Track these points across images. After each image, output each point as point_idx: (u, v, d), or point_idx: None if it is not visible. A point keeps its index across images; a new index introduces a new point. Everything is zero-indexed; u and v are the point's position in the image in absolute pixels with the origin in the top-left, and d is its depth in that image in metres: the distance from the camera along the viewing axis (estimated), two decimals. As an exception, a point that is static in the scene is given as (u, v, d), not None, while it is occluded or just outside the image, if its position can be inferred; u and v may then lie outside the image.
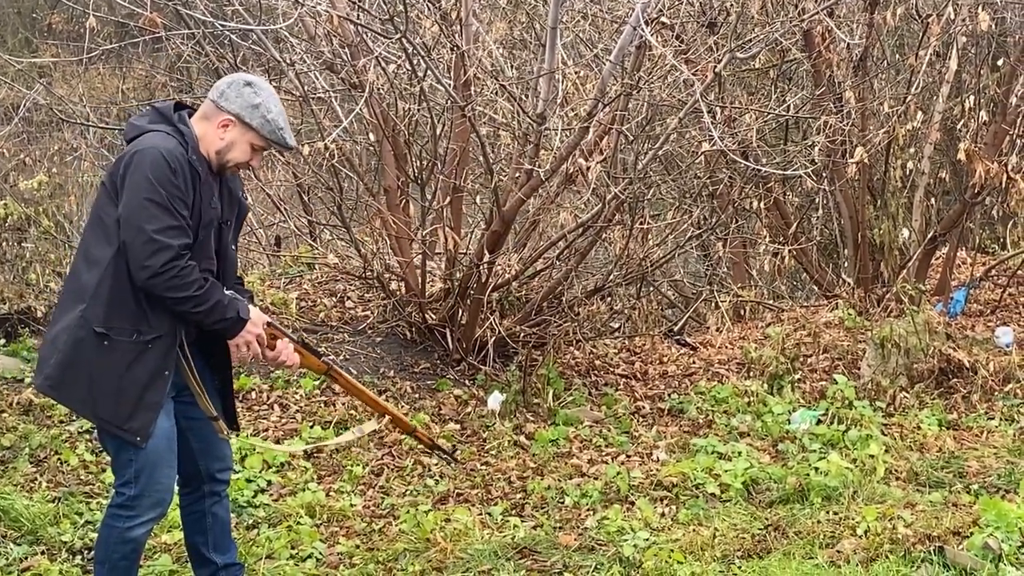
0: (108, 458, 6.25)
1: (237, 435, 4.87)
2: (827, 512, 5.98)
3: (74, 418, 6.84)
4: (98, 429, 4.59)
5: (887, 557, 5.26)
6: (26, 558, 5.40)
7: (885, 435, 7.19)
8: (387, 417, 5.24)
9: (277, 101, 4.59)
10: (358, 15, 7.95)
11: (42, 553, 5.46)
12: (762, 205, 9.84)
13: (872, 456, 6.73)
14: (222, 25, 8.20)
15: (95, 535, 4.76)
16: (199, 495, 4.76)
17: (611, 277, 8.58)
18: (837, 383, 7.81)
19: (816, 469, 6.55)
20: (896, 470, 6.66)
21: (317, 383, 7.49)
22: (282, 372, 7.56)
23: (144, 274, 4.24)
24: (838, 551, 5.43)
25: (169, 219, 4.26)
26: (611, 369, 8.47)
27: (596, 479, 6.61)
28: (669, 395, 8.01)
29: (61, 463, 6.43)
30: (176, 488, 4.68)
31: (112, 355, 4.34)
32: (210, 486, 4.77)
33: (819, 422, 7.40)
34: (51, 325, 4.49)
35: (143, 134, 4.41)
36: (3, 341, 8.28)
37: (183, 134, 4.43)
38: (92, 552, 4.94)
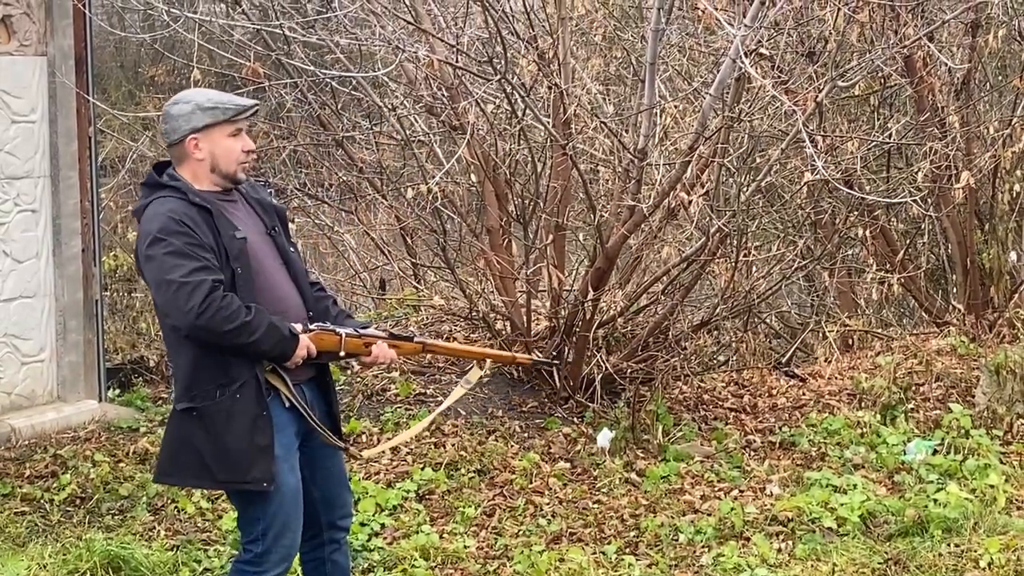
0: (224, 504, 6.35)
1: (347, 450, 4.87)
2: (948, 545, 5.88)
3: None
4: (226, 493, 4.63)
5: (1013, 590, 5.16)
6: (148, 606, 5.48)
7: (1003, 464, 7.05)
8: (488, 361, 5.25)
9: (199, 91, 4.58)
10: (457, 58, 8.02)
11: (163, 600, 5.54)
12: (867, 233, 9.73)
13: (992, 486, 6.60)
14: (323, 73, 8.31)
15: (215, 582, 4.81)
16: (319, 542, 4.76)
17: (717, 310, 8.52)
18: (952, 412, 7.68)
19: (935, 500, 6.44)
20: (1017, 500, 6.54)
21: (426, 425, 7.51)
22: (392, 414, 7.60)
23: (189, 318, 4.23)
24: (962, 585, 5.34)
25: (192, 263, 4.27)
26: (720, 403, 8.40)
27: (710, 515, 6.55)
28: (780, 428, 7.92)
29: (178, 511, 6.51)
30: None
31: (205, 422, 4.38)
32: (330, 533, 4.77)
33: (935, 452, 7.27)
34: None
35: (143, 212, 4.44)
36: (118, 391, 8.42)
37: (174, 187, 4.41)
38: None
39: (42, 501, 6.61)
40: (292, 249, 4.70)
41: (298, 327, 4.46)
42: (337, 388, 7.64)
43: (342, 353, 4.57)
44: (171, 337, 4.46)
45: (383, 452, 6.66)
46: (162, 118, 4.51)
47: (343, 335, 4.53)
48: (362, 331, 4.61)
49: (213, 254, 4.33)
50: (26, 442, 7.35)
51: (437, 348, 5.08)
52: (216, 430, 4.37)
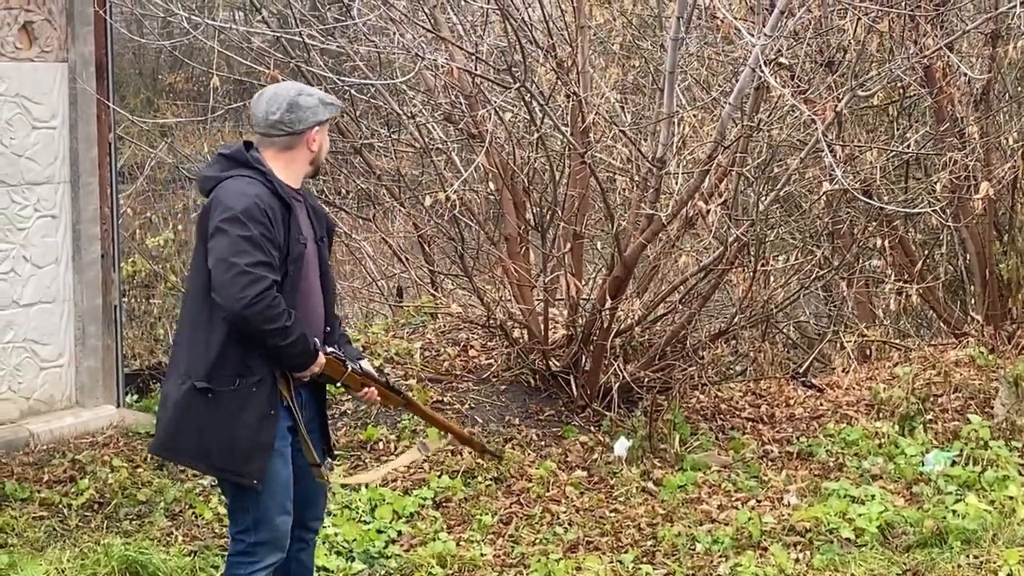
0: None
1: (332, 461, 4.95)
2: (967, 556, 5.86)
3: (207, 471, 6.93)
4: (217, 479, 4.70)
5: (1033, 602, 5.14)
6: (165, 611, 5.49)
7: (1022, 475, 7.02)
8: (449, 435, 5.50)
9: (307, 87, 4.73)
10: (476, 66, 8.03)
11: (181, 606, 5.54)
12: (886, 243, 9.71)
13: (1011, 497, 6.58)
14: (342, 80, 8.33)
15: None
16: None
17: (735, 320, 8.51)
18: (971, 423, 7.65)
19: (953, 512, 6.42)
20: (1036, 511, 6.50)
21: (442, 432, 7.50)
22: (409, 423, 7.60)
23: (238, 305, 4.32)
24: (981, 596, 5.32)
25: (260, 255, 4.37)
26: (737, 413, 8.38)
27: (727, 525, 6.54)
28: (797, 438, 7.90)
29: (196, 517, 6.52)
30: None
31: (219, 407, 4.46)
32: (299, 532, 4.83)
33: (954, 463, 7.25)
34: (163, 385, 4.65)
35: (222, 182, 4.51)
36: (136, 397, 8.44)
37: (264, 173, 4.51)
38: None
39: (60, 506, 6.62)
40: (328, 263, 4.80)
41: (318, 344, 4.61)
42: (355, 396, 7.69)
43: (339, 383, 4.76)
44: (206, 315, 4.49)
45: (349, 485, 6.71)
46: (287, 107, 4.54)
47: (349, 369, 4.71)
48: (364, 368, 4.80)
49: (279, 252, 4.45)
50: (44, 447, 7.37)
51: (415, 409, 5.29)
52: (224, 419, 4.47)
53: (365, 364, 4.84)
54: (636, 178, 8.04)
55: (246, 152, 4.58)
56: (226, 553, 5.98)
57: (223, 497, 6.43)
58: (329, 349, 4.66)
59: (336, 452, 5.84)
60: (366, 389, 4.79)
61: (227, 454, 4.49)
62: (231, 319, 4.38)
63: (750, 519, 6.48)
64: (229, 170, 4.54)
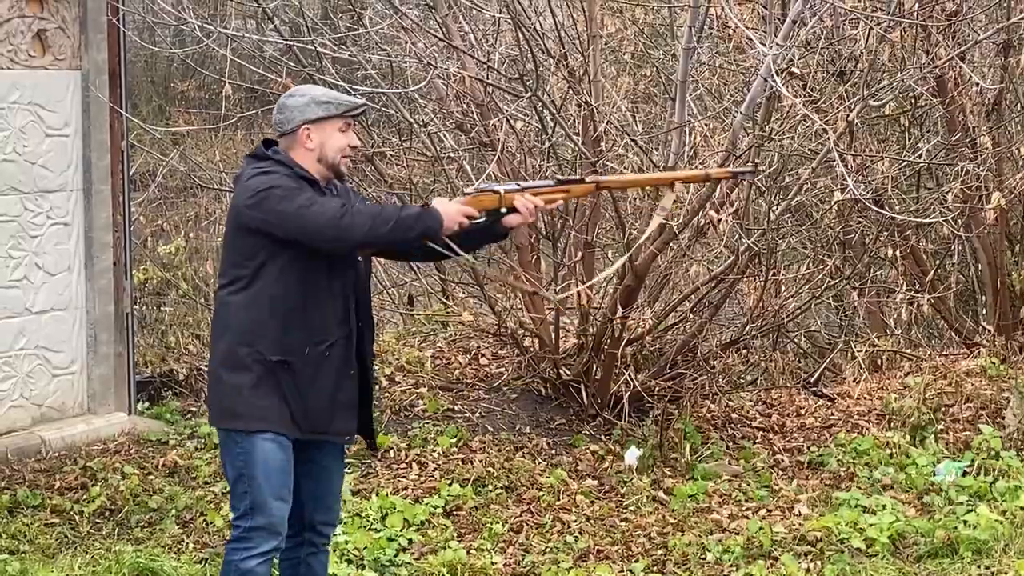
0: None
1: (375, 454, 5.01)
2: (978, 566, 5.85)
3: (218, 479, 6.94)
4: (221, 449, 4.79)
5: (1044, 613, 5.13)
6: (176, 618, 5.49)
7: (1034, 486, 7.01)
8: (677, 184, 5.18)
9: (315, 87, 4.85)
10: (487, 75, 8.04)
11: (191, 613, 5.55)
12: (897, 253, 9.70)
13: (1022, 508, 6.57)
14: (354, 89, 8.34)
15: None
16: (299, 541, 4.85)
17: (746, 329, 8.51)
18: (982, 433, 7.64)
19: (964, 522, 6.41)
20: (1048, 522, 6.49)
21: (453, 441, 7.52)
22: (419, 431, 7.60)
23: (333, 223, 4.42)
24: (992, 607, 5.31)
25: (302, 196, 4.49)
26: (748, 422, 8.38)
27: (738, 534, 6.54)
28: (808, 448, 7.90)
29: (207, 524, 6.53)
30: None
31: (242, 374, 4.59)
32: (311, 535, 4.87)
33: (965, 473, 7.24)
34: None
35: (242, 178, 4.65)
36: (147, 404, 8.44)
37: (280, 162, 4.61)
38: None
39: (72, 513, 6.63)
40: (361, 259, 4.80)
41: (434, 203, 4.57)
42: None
43: (504, 211, 4.63)
44: (242, 289, 4.58)
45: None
46: (277, 108, 4.69)
47: (502, 191, 4.63)
48: (513, 186, 4.71)
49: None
50: (56, 454, 7.37)
51: (612, 184, 5.26)
52: (243, 384, 4.58)
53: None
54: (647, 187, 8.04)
55: (266, 148, 4.70)
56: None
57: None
58: (468, 190, 4.69)
59: (347, 460, 5.84)
60: (527, 204, 4.62)
61: (228, 406, 4.68)
62: (334, 243, 4.48)
63: (761, 529, 6.48)
64: (250, 165, 4.67)
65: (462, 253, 4.72)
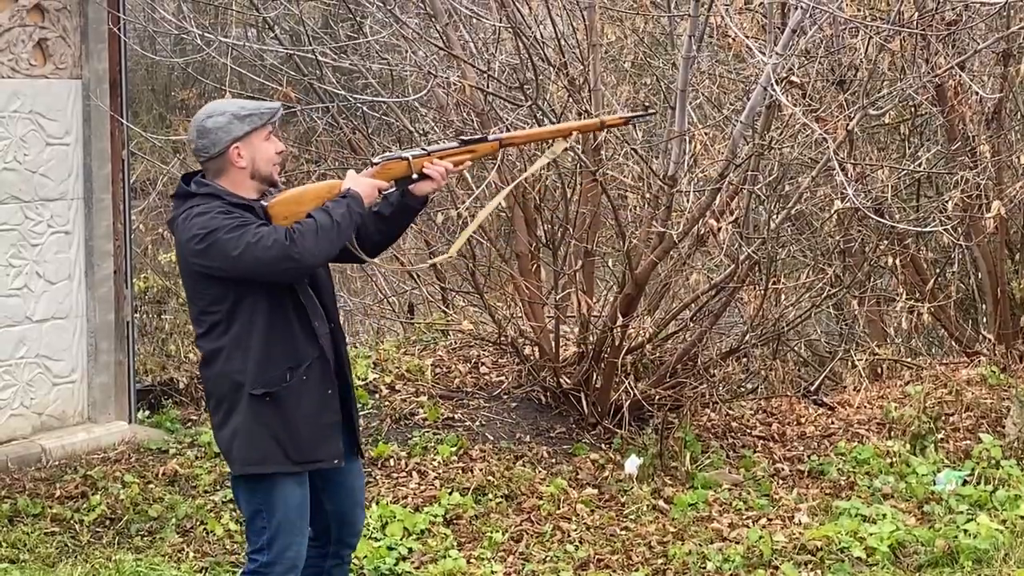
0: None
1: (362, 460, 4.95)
2: (978, 576, 5.85)
3: (218, 487, 6.94)
4: (236, 500, 4.71)
5: (1045, 622, 5.12)
6: (176, 627, 5.49)
7: (1034, 495, 7.01)
8: (573, 134, 5.18)
9: (224, 103, 4.62)
10: (487, 84, 8.05)
11: (191, 622, 5.55)
12: (897, 262, 9.71)
13: (1022, 517, 6.56)
14: (354, 97, 8.36)
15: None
16: (324, 553, 4.82)
17: (746, 338, 8.51)
18: (982, 442, 7.64)
19: (965, 531, 6.41)
20: (1048, 531, 6.49)
21: (453, 449, 7.52)
22: (419, 439, 7.60)
23: (288, 249, 4.28)
24: (992, 616, 5.31)
25: (249, 222, 4.35)
26: (748, 431, 8.37)
27: (738, 543, 6.53)
28: (808, 456, 7.89)
29: (207, 533, 6.53)
30: None
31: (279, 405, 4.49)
32: (336, 548, 4.84)
33: (965, 482, 7.23)
34: None
35: (176, 222, 4.50)
36: (147, 413, 8.45)
37: (208, 194, 4.45)
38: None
39: (72, 522, 6.63)
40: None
41: (346, 184, 4.53)
42: (365, 412, 7.71)
43: (415, 176, 4.63)
44: (246, 319, 4.45)
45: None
46: (196, 134, 4.49)
47: (410, 158, 4.63)
48: (420, 150, 4.70)
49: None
50: (56, 463, 7.39)
51: (515, 139, 5.15)
52: (287, 413, 4.47)
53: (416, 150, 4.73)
54: (647, 196, 8.05)
55: (187, 185, 4.52)
56: (236, 570, 6.02)
57: (235, 513, 6.47)
58: (376, 159, 4.65)
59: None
60: (437, 168, 4.63)
61: (298, 446, 4.55)
62: (291, 266, 4.33)
63: (761, 538, 6.48)
64: (180, 207, 4.49)
65: (368, 258, 4.76)
